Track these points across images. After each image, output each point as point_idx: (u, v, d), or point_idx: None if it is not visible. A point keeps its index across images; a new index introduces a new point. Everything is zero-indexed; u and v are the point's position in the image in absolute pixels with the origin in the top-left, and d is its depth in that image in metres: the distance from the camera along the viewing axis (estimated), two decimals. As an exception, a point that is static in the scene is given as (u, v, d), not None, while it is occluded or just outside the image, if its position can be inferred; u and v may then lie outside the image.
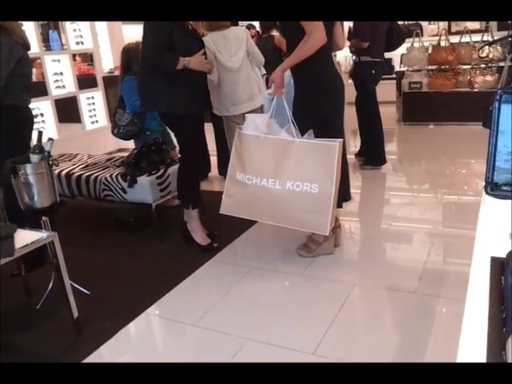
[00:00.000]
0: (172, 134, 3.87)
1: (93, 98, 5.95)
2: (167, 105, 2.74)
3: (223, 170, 4.54)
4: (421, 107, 6.45)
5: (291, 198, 2.47)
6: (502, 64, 6.03)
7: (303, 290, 2.52)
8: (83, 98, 5.82)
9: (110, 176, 3.41)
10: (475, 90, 6.18)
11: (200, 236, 3.04)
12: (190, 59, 2.65)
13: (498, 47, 6.12)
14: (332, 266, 2.75)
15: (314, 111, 2.62)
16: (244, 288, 2.59)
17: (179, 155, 3.05)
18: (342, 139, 2.50)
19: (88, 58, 6.23)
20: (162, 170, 3.40)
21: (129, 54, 3.66)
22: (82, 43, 5.76)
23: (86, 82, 5.93)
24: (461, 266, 2.57)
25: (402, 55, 6.59)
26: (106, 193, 3.44)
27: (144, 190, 3.27)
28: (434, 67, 6.49)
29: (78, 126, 5.87)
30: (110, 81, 6.04)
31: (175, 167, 3.43)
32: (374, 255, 2.87)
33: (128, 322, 2.34)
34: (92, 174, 3.52)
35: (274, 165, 2.48)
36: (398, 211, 3.57)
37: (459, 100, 6.24)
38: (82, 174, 3.55)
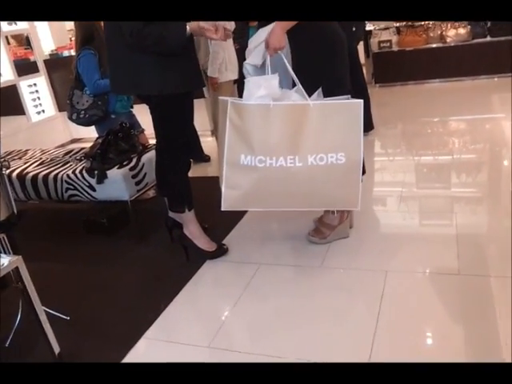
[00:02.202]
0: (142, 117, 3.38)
1: (35, 85, 5.28)
2: (157, 86, 2.16)
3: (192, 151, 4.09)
4: (392, 67, 6.17)
5: (315, 175, 2.08)
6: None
7: (327, 284, 2.15)
8: (24, 86, 5.14)
9: (73, 172, 2.89)
10: (448, 45, 5.92)
11: (204, 241, 2.52)
12: (190, 23, 2.08)
13: (467, -3, 5.86)
14: (352, 251, 2.38)
15: (321, 72, 2.20)
16: (257, 291, 2.19)
17: (157, 145, 2.48)
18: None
19: (24, 40, 5.51)
20: (134, 160, 2.90)
21: (89, 25, 3.11)
22: (15, 23, 5.06)
23: (24, 67, 5.23)
24: (499, 236, 2.27)
25: (368, 13, 6.25)
26: (71, 192, 2.92)
27: (117, 184, 2.78)
28: (402, 24, 6.18)
29: (23, 119, 5.19)
30: (53, 64, 5.37)
31: (149, 155, 2.98)
32: (395, 233, 2.53)
33: (126, 351, 1.89)
34: (50, 172, 2.98)
35: (290, 138, 2.05)
36: (403, 177, 3.25)
37: (432, 56, 5.98)
38: (38, 174, 3.00)
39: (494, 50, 5.67)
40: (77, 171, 2.89)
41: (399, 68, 6.12)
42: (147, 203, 3.27)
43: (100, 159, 2.83)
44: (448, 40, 5.90)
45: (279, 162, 2.04)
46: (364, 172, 2.31)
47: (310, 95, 2.08)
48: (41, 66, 5.34)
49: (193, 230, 2.49)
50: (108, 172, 2.79)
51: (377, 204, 3.00)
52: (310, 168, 2.07)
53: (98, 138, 3.01)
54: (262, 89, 2.00)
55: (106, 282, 2.49)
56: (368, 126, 3.95)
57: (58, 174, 2.94)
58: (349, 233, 2.50)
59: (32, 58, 5.40)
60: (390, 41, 6.16)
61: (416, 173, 3.42)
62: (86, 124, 3.29)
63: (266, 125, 2.02)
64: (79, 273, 2.63)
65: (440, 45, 5.98)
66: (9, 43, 5.29)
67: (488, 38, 5.77)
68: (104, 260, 2.74)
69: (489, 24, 5.76)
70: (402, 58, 6.09)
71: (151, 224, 3.00)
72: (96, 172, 2.79)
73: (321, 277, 2.21)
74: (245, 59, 2.25)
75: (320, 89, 2.11)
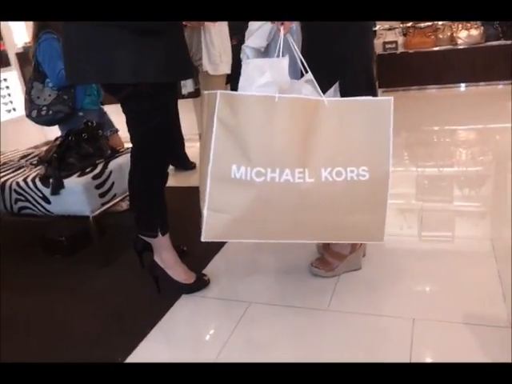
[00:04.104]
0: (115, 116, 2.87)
1: (5, 80, 4.76)
2: (133, 72, 1.66)
3: (175, 158, 3.57)
4: (398, 70, 5.70)
5: (331, 195, 1.57)
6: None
7: (334, 336, 1.63)
8: None
9: (25, 180, 2.36)
10: (459, 47, 5.47)
11: (180, 271, 1.98)
12: None
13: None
14: (367, 289, 1.87)
15: (340, 56, 1.70)
16: (245, 339, 1.67)
17: (131, 150, 1.98)
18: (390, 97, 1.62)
19: (-5, 31, 5.00)
20: (100, 166, 2.38)
21: None
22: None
23: (-7, 60, 4.73)
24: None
25: (373, 12, 5.79)
26: (22, 204, 2.38)
27: (76, 196, 2.25)
28: (409, 24, 5.73)
29: (-10, 117, 4.67)
30: (26, 58, 4.83)
31: (120, 160, 2.47)
32: (420, 264, 2.01)
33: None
34: (-3, 178, 2.46)
35: (300, 144, 1.54)
36: (422, 191, 2.76)
37: (441, 59, 5.53)
38: (-18, 181, 2.47)
39: (509, 53, 5.22)
40: (29, 179, 2.35)
41: (406, 71, 5.66)
42: (119, 217, 2.75)
43: (56, 165, 2.30)
44: (459, 42, 5.45)
45: (284, 176, 1.52)
46: None
47: (323, 92, 1.59)
48: (12, 59, 4.82)
49: (166, 257, 1.96)
50: (65, 180, 2.26)
51: (392, 224, 2.47)
52: (324, 185, 1.56)
53: (56, 139, 2.48)
54: (267, 75, 1.49)
55: (56, 318, 1.96)
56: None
57: (6, 181, 2.41)
58: (361, 264, 1.99)
59: (3, 51, 4.89)
60: (395, 42, 5.71)
61: (437, 187, 2.91)
62: (49, 123, 2.76)
63: (267, 125, 1.50)
64: (32, 305, 2.09)
65: (450, 47, 5.53)
66: (-23, 34, 4.78)
67: (502, 41, 5.32)
68: (62, 288, 2.20)
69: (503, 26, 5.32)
70: (409, 60, 5.64)
71: (120, 244, 2.48)
72: (51, 180, 2.27)
73: (327, 324, 1.69)
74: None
75: (337, 84, 1.62)
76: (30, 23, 4.99)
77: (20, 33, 4.96)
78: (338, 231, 1.65)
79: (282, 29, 1.56)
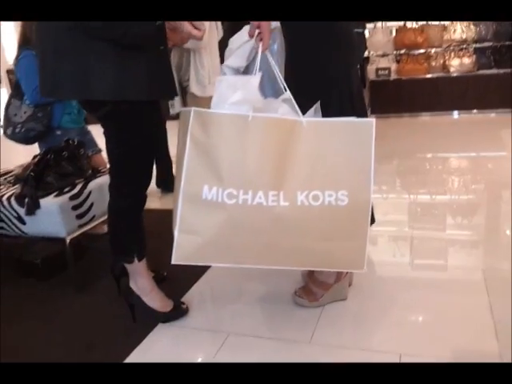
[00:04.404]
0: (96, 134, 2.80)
1: (-5, 97, 4.70)
2: (113, 88, 1.56)
3: (163, 180, 3.50)
4: (390, 96, 5.71)
5: (307, 220, 1.49)
6: (478, 45, 5.41)
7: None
8: None
9: (0, 198, 2.27)
10: (451, 75, 5.49)
11: (156, 299, 1.88)
12: None
13: (472, 26, 5.47)
14: (352, 321, 1.77)
15: (323, 72, 1.64)
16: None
17: (109, 171, 1.89)
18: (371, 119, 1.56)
19: (-14, 48, 4.97)
20: (78, 186, 2.29)
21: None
22: (-24, 28, 4.52)
23: (-17, 77, 4.68)
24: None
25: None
26: None
27: (51, 217, 2.14)
28: (402, 51, 5.75)
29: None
30: (16, 75, 4.81)
31: (100, 180, 2.38)
32: (408, 294, 1.91)
33: None
34: (-28, 197, 2.36)
35: (274, 166, 1.46)
36: (408, 218, 2.69)
37: (434, 87, 5.54)
38: (-44, 199, 2.37)
39: (501, 82, 5.24)
40: (4, 198, 2.25)
41: (398, 98, 5.66)
42: (99, 240, 2.65)
43: (33, 183, 2.21)
44: (451, 70, 5.47)
45: (257, 199, 1.44)
46: (373, 221, 1.70)
47: (303, 112, 1.52)
48: (3, 76, 4.78)
49: (142, 284, 1.86)
50: (41, 200, 2.16)
51: (382, 252, 2.40)
52: (300, 210, 1.47)
53: (34, 157, 2.40)
54: (239, 93, 1.43)
55: (25, 347, 1.85)
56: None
57: (-20, 200, 2.32)
58: (347, 294, 1.90)
59: (-7, 68, 4.86)
60: (388, 68, 5.72)
61: (429, 215, 2.84)
62: (24, 141, 2.68)
63: (240, 144, 1.43)
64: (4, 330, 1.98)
65: (443, 75, 5.55)
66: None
67: (494, 70, 5.35)
68: (28, 315, 2.08)
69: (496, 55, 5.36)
70: (402, 87, 5.64)
71: (98, 268, 2.37)
72: (26, 200, 2.18)
73: (308, 358, 1.59)
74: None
75: (318, 104, 1.55)
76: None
77: (11, 50, 4.93)
78: (315, 258, 1.56)
79: (260, 45, 1.51)
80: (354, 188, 1.51)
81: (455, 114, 5.50)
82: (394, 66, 5.76)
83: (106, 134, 1.78)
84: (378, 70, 5.76)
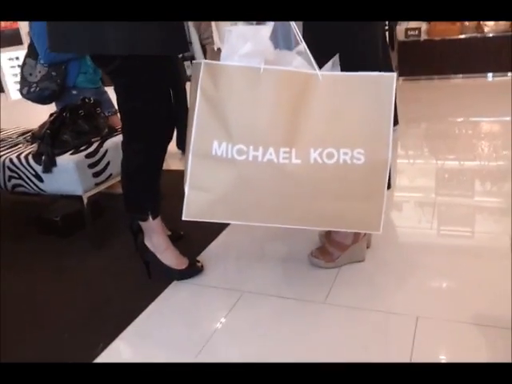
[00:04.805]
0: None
1: (17, 58, 4.70)
2: (124, 42, 1.50)
3: (183, 141, 3.44)
4: (421, 58, 5.44)
5: (320, 180, 1.43)
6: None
7: (331, 331, 1.51)
8: (4, 60, 4.56)
9: (18, 157, 2.27)
10: (486, 35, 5.20)
11: (171, 256, 1.86)
12: None
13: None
14: (369, 283, 1.72)
15: (344, 27, 1.55)
16: (233, 331, 1.55)
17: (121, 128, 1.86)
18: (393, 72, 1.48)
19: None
20: (95, 145, 2.27)
21: None
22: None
23: (7, 38, 4.67)
24: None
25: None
26: (15, 182, 2.30)
27: (68, 175, 2.14)
28: (434, 10, 5.47)
29: (1, 96, 4.62)
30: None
31: (117, 139, 2.34)
32: (427, 258, 1.85)
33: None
34: (-8, 154, 2.38)
35: (286, 121, 1.39)
36: (432, 183, 2.59)
37: (467, 48, 5.27)
38: (-23, 157, 2.39)
39: (539, 42, 4.96)
40: (22, 156, 2.26)
41: (429, 60, 5.41)
42: (117, 199, 2.65)
43: (49, 141, 2.21)
44: (486, 30, 5.18)
45: (267, 156, 1.38)
46: (389, 186, 1.61)
47: (320, 66, 1.45)
48: (25, 36, 4.75)
49: (157, 241, 1.84)
50: (58, 158, 2.16)
51: (405, 217, 2.32)
52: (313, 168, 1.41)
53: (51, 115, 2.38)
54: (249, 44, 1.35)
55: (39, 299, 1.88)
56: (394, 119, 3.29)
57: (0, 157, 2.33)
58: (365, 255, 1.85)
59: (16, 29, 4.84)
60: (419, 29, 5.46)
61: (456, 181, 2.72)
62: (39, 100, 2.64)
63: (251, 98, 1.37)
64: (18, 284, 2.01)
65: (476, 35, 5.27)
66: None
67: (532, 30, 5.05)
68: (48, 270, 2.11)
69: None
70: (433, 48, 5.38)
71: (117, 226, 2.39)
72: (43, 157, 2.18)
73: (324, 318, 1.56)
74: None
75: (337, 57, 1.45)
76: None
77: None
78: (329, 218, 1.50)
79: None
80: (371, 147, 1.43)
81: (489, 76, 5.24)
82: (424, 26, 5.49)
83: (115, 89, 1.73)
84: (407, 30, 5.50)
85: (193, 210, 1.46)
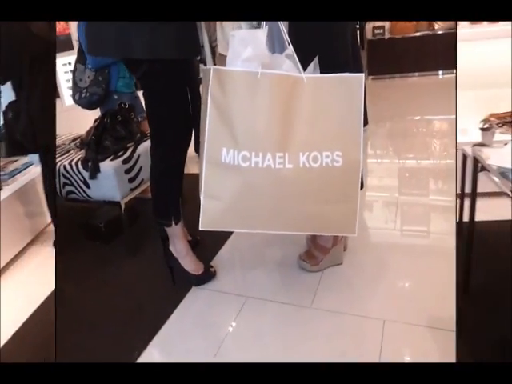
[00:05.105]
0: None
1: (70, 64, 4.13)
2: (147, 47, 1.19)
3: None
4: (385, 57, 4.75)
5: (307, 183, 1.16)
6: None
7: (313, 334, 1.31)
8: (59, 65, 3.97)
9: (70, 163, 1.90)
10: (436, 32, 4.54)
11: (190, 261, 1.57)
12: None
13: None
14: (345, 286, 1.50)
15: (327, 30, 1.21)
16: (239, 336, 1.37)
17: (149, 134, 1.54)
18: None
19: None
20: (129, 150, 1.90)
21: None
22: None
23: (60, 44, 4.10)
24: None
25: None
26: (68, 189, 1.88)
27: (108, 181, 1.80)
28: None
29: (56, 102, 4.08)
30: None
31: (146, 144, 1.95)
32: (397, 261, 1.61)
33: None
34: (49, 162, 2.07)
35: (280, 126, 1.11)
36: (399, 183, 2.31)
37: (421, 46, 4.64)
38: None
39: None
40: (73, 162, 1.89)
41: (391, 58, 4.71)
42: (148, 204, 2.30)
43: (94, 147, 1.82)
44: (436, 27, 4.53)
45: (266, 162, 1.11)
46: (362, 186, 1.33)
47: (304, 68, 1.14)
48: (75, 42, 4.18)
49: (179, 246, 1.58)
50: (101, 164, 1.80)
51: (372, 216, 2.01)
52: (302, 172, 1.14)
53: (95, 121, 1.97)
54: (249, 48, 1.05)
55: (92, 309, 1.56)
56: (364, 119, 2.91)
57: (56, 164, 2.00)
58: (343, 258, 1.62)
59: (69, 34, 4.25)
60: (383, 27, 4.81)
61: (409, 179, 2.38)
62: (88, 105, 2.17)
63: (252, 103, 1.08)
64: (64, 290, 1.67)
65: (429, 32, 4.61)
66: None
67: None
68: (95, 278, 1.74)
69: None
70: (394, 46, 4.72)
71: (149, 231, 1.94)
72: (89, 164, 1.81)
73: (310, 322, 1.37)
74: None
75: (317, 59, 1.15)
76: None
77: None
78: (313, 222, 1.23)
79: None
80: (346, 148, 1.16)
81: (440, 74, 4.63)
82: (387, 25, 4.83)
83: (144, 94, 1.41)
84: (374, 28, 4.86)
85: (208, 219, 1.19)
